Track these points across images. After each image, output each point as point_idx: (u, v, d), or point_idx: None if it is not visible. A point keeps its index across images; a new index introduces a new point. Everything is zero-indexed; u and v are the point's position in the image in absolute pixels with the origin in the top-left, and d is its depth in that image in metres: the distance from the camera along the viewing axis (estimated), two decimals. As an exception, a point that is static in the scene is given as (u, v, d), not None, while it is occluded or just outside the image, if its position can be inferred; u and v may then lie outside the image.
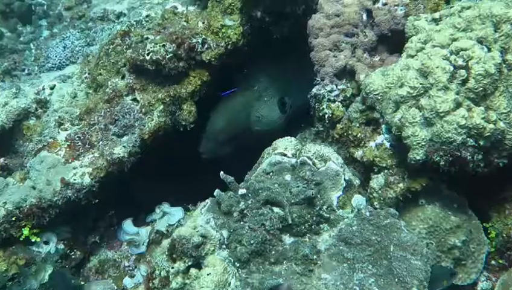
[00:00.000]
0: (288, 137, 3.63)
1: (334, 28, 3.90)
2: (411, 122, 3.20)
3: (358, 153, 3.62)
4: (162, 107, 4.18)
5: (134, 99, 4.23)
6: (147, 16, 4.90)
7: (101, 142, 4.03)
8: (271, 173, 3.47)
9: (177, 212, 4.21)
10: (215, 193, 3.31)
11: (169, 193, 4.79)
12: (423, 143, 3.17)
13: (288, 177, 3.40)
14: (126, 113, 4.10)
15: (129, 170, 4.06)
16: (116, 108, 4.15)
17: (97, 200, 3.95)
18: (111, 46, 4.54)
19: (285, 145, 3.57)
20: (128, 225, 4.23)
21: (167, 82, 4.30)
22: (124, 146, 3.98)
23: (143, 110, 4.13)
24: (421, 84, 3.23)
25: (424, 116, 3.17)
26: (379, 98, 3.46)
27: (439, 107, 3.10)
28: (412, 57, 3.43)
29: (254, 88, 4.96)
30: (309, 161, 3.44)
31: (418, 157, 3.19)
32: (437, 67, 3.17)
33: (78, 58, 5.43)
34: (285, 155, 3.50)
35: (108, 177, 3.95)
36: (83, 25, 6.12)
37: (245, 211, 3.24)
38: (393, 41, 3.90)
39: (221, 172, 3.37)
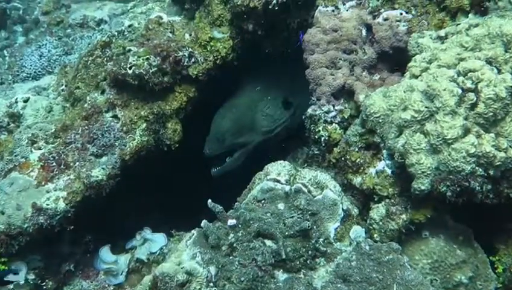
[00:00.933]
0: (282, 161, 3.43)
1: (331, 44, 3.71)
2: (416, 149, 3.01)
3: (356, 180, 3.42)
4: (144, 125, 3.95)
5: (115, 116, 4.02)
6: (130, 26, 4.68)
7: (77, 163, 3.79)
8: (263, 201, 3.26)
9: (159, 239, 3.98)
10: (202, 224, 3.08)
11: (151, 211, 4.59)
12: (429, 172, 2.98)
13: (281, 206, 3.19)
14: (106, 132, 3.87)
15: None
16: (95, 125, 3.91)
17: (72, 227, 3.66)
18: (90, 58, 4.33)
19: (278, 170, 3.36)
20: (105, 252, 3.97)
21: (151, 98, 4.09)
22: (102, 168, 3.75)
23: (124, 128, 3.91)
24: (426, 107, 3.04)
25: (429, 143, 2.99)
26: (380, 121, 3.27)
27: (446, 133, 2.91)
28: (416, 77, 3.25)
29: (257, 89, 4.79)
30: (304, 189, 3.25)
31: (422, 187, 2.99)
32: (444, 90, 2.99)
33: (55, 68, 5.19)
34: (278, 181, 3.30)
35: (85, 202, 3.68)
36: (61, 32, 5.86)
37: (235, 245, 3.01)
38: (394, 59, 3.72)
39: (209, 200, 3.14)
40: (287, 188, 3.23)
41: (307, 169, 3.40)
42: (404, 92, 3.20)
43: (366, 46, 3.74)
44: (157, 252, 3.93)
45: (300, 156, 4.86)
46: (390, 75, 3.70)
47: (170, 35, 4.38)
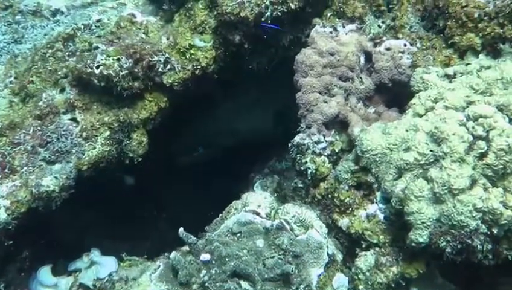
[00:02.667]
0: (262, 192, 3.17)
1: (326, 68, 3.48)
2: (417, 195, 2.79)
3: (343, 221, 3.19)
4: (108, 133, 3.60)
5: (74, 120, 3.66)
6: (98, 21, 4.28)
7: (25, 168, 3.39)
8: (239, 235, 3.00)
9: (108, 263, 3.59)
10: (171, 256, 2.77)
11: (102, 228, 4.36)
12: (429, 223, 2.77)
13: (260, 243, 2.92)
14: (62, 136, 3.49)
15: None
16: (50, 127, 3.53)
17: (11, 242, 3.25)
18: (49, 51, 3.93)
19: (259, 201, 3.11)
20: (45, 273, 3.57)
21: (116, 103, 3.74)
22: (55, 177, 3.36)
23: (84, 134, 3.55)
24: (431, 151, 2.85)
25: (432, 191, 2.77)
26: (377, 159, 3.05)
27: (453, 182, 2.71)
28: (420, 116, 3.05)
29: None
30: (287, 225, 2.95)
31: (420, 240, 2.77)
32: (453, 134, 2.80)
33: (1, 56, 4.68)
34: (257, 214, 3.06)
35: (30, 214, 3.27)
36: (9, 18, 5.34)
37: (207, 284, 2.69)
38: (392, 93, 3.53)
39: (181, 229, 2.82)
40: (268, 223, 2.97)
41: (290, 204, 3.13)
42: (407, 130, 3.00)
43: (363, 75, 3.54)
44: (106, 279, 3.53)
45: (269, 185, 4.59)
46: (386, 109, 3.48)
47: (143, 36, 4.04)
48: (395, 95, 3.54)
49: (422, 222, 2.78)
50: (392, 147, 3.02)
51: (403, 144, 2.96)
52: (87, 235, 4.75)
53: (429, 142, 2.86)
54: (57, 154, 3.48)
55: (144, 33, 4.09)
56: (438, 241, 2.74)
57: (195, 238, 2.90)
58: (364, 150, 3.08)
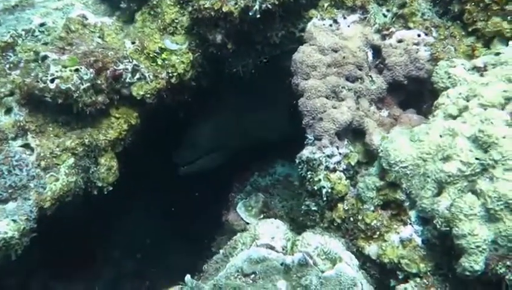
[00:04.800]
0: (274, 220, 2.68)
1: (331, 68, 3.02)
2: (467, 214, 2.38)
3: (371, 249, 2.75)
4: (72, 160, 3.03)
5: (27, 146, 3.07)
6: (42, 25, 3.66)
7: (-29, 212, 2.73)
8: (253, 275, 2.50)
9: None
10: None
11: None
12: (484, 246, 2.34)
13: (282, 284, 2.46)
14: (14, 167, 2.89)
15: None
16: (-3, 157, 2.88)
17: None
18: (-17, 64, 3.28)
19: (271, 232, 2.63)
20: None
21: (77, 123, 3.21)
22: (13, 219, 2.73)
23: (42, 163, 2.98)
24: (477, 159, 2.41)
25: (485, 207, 2.33)
26: (408, 172, 2.63)
27: (510, 195, 2.27)
28: (454, 117, 2.63)
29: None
30: (310, 260, 2.45)
31: (476, 268, 2.37)
32: (503, 138, 2.40)
33: None
34: (272, 248, 2.54)
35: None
36: None
37: None
38: (404, 92, 3.09)
39: (188, 276, 2.30)
40: (288, 259, 2.50)
41: (310, 233, 2.67)
42: (441, 136, 2.59)
43: (373, 73, 3.09)
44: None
45: (254, 205, 4.09)
46: (402, 112, 3.04)
47: (99, 40, 3.44)
48: (409, 94, 3.11)
49: (477, 246, 2.37)
50: (425, 157, 2.60)
51: (439, 152, 2.56)
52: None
53: (473, 148, 2.46)
54: (10, 191, 2.85)
55: (99, 37, 3.52)
56: (495, 267, 2.36)
57: (207, 287, 2.36)
58: (392, 162, 2.64)
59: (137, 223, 5.55)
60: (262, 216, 4.10)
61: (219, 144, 4.04)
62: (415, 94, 3.10)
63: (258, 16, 3.10)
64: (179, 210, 5.24)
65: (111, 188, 3.29)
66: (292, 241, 2.63)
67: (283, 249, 2.58)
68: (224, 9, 3.08)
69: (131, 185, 3.70)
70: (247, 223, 4.10)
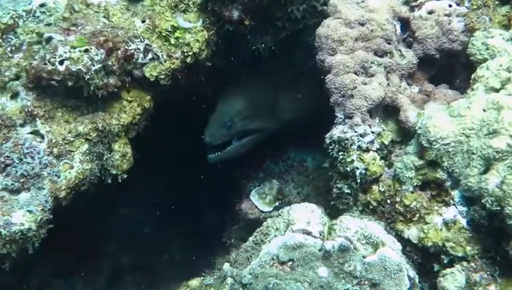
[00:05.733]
0: (308, 204, 2.49)
1: (358, 42, 2.84)
2: (521, 191, 2.18)
3: (411, 232, 2.58)
4: (86, 146, 2.82)
5: (36, 133, 2.87)
6: (42, 5, 3.44)
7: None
8: (290, 263, 2.33)
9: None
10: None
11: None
12: (538, 225, 2.17)
13: (324, 271, 2.30)
14: (25, 155, 2.69)
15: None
16: (6, 145, 2.71)
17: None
18: (-19, 48, 3.10)
19: (306, 217, 2.46)
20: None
21: (88, 107, 2.99)
22: (28, 210, 2.52)
23: (54, 150, 2.77)
24: (528, 133, 2.24)
25: (538, 183, 2.17)
26: (450, 150, 2.47)
27: None
28: (497, 90, 2.48)
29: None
30: (351, 245, 2.28)
31: (531, 249, 2.17)
32: (554, 109, 2.20)
33: None
34: (309, 233, 2.36)
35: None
36: None
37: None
38: (435, 66, 2.91)
39: (226, 264, 2.18)
40: (329, 244, 2.32)
41: (348, 216, 2.49)
42: (485, 110, 2.41)
43: (401, 46, 2.90)
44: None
45: (268, 192, 3.91)
46: (434, 87, 2.87)
47: (105, 21, 3.24)
48: (439, 69, 2.94)
49: (532, 226, 2.19)
50: (468, 133, 2.44)
51: (484, 127, 2.40)
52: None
53: (523, 121, 2.28)
54: (22, 180, 2.66)
55: (104, 17, 3.32)
56: (551, 248, 2.18)
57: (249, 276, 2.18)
58: (432, 139, 2.48)
59: (137, 215, 5.36)
60: (277, 204, 3.92)
61: (250, 127, 3.79)
62: (446, 68, 2.94)
63: (278, -12, 2.91)
64: (181, 202, 5.06)
65: (125, 176, 3.08)
66: (329, 226, 2.46)
67: (320, 235, 2.41)
68: (242, -18, 2.89)
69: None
70: (262, 212, 3.93)
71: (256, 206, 3.95)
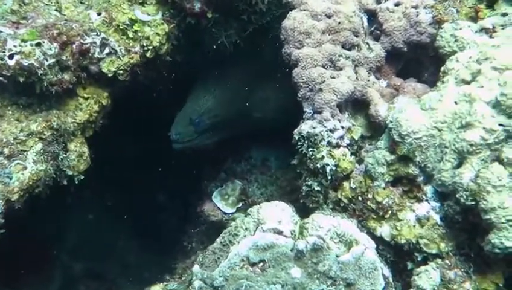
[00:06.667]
0: (278, 202, 2.39)
1: (325, 35, 2.74)
2: (496, 185, 2.17)
3: (383, 230, 2.52)
4: (40, 146, 2.62)
5: (-16, 132, 2.63)
6: (-13, -1, 3.21)
7: None
8: (261, 264, 2.21)
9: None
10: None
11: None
12: (513, 221, 2.13)
13: (296, 272, 2.22)
14: (-28, 156, 2.47)
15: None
16: (-48, 146, 2.49)
17: None
18: None
19: (277, 215, 2.37)
20: None
21: (40, 105, 2.78)
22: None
23: (5, 150, 2.60)
24: (501, 125, 2.18)
25: (512, 177, 2.13)
26: (422, 144, 2.40)
27: (540, 163, 2.09)
28: (468, 82, 2.40)
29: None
30: (324, 244, 2.20)
31: (507, 244, 2.17)
32: (527, 101, 2.17)
33: None
34: (280, 233, 2.25)
35: None
36: None
37: None
38: (402, 60, 2.86)
39: (196, 266, 2.05)
40: (301, 244, 2.20)
41: (320, 214, 2.40)
42: (457, 103, 2.35)
43: (369, 39, 2.83)
44: None
45: (230, 193, 3.80)
46: (403, 81, 2.80)
47: (57, 14, 3.06)
48: (407, 62, 2.88)
49: (508, 220, 2.17)
50: (440, 126, 2.39)
51: (456, 120, 2.34)
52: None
53: (495, 114, 2.23)
54: (-30, 183, 2.46)
55: (56, 10, 3.14)
56: (525, 243, 2.15)
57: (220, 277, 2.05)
58: (404, 133, 2.41)
59: (90, 221, 5.15)
60: (240, 205, 3.81)
61: (220, 125, 3.65)
62: (414, 62, 2.87)
63: (241, -19, 2.80)
64: (138, 204, 4.91)
65: (82, 177, 2.91)
66: (300, 225, 2.37)
67: (291, 234, 2.31)
68: (203, -28, 2.76)
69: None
70: (225, 214, 3.81)
71: (218, 208, 3.83)
